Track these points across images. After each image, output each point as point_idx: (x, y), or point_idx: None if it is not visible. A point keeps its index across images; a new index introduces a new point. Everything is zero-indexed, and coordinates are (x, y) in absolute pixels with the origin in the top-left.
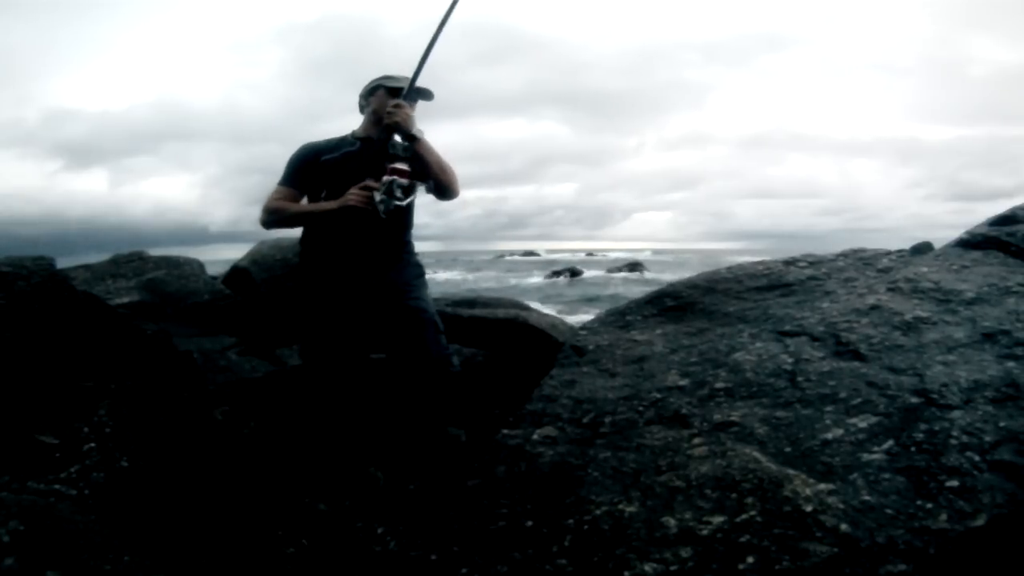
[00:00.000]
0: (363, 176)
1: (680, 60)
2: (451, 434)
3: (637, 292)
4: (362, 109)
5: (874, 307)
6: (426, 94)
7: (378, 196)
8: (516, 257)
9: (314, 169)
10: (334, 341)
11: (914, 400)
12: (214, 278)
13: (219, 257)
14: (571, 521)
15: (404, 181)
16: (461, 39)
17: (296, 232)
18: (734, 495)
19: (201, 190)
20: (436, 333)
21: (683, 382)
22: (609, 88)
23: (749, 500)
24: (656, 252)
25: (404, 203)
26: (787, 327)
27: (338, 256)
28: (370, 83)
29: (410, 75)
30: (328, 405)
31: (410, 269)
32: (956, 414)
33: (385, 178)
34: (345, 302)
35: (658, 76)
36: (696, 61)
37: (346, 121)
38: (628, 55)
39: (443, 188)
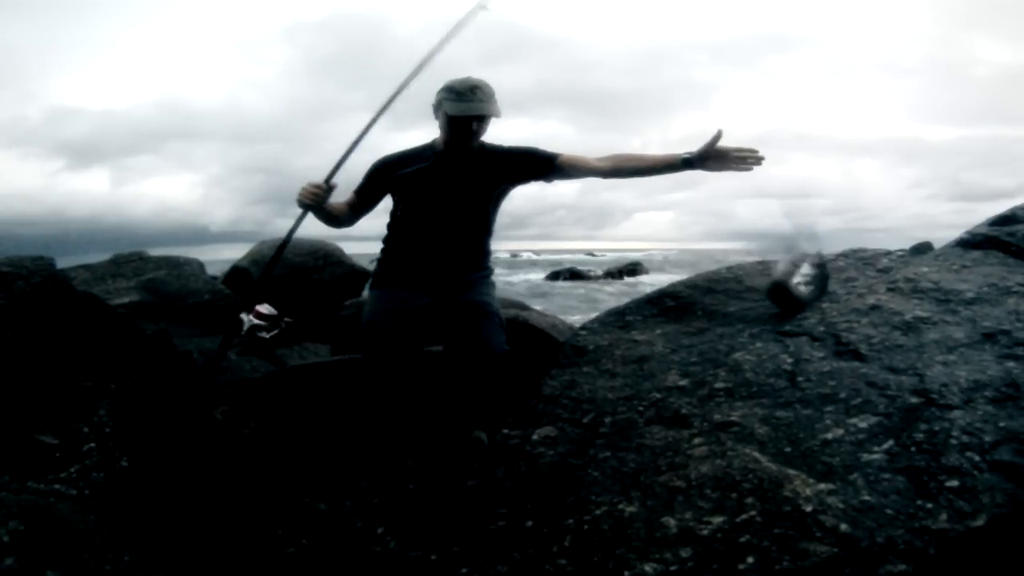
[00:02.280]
0: (433, 193)
1: (687, 60)
2: (475, 437)
3: (637, 292)
4: (436, 116)
5: (874, 307)
6: (494, 114)
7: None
8: (516, 257)
9: (386, 183)
10: (398, 332)
11: (914, 400)
12: (214, 278)
13: (219, 257)
14: (571, 521)
15: (263, 323)
16: (470, 38)
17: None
18: (734, 495)
19: (203, 189)
20: (499, 328)
21: (683, 382)
22: (615, 88)
23: (749, 500)
24: (657, 252)
25: (268, 336)
26: (787, 327)
27: (418, 256)
28: (441, 91)
29: (477, 78)
30: (383, 395)
31: (481, 271)
32: (956, 414)
33: (246, 319)
34: (416, 297)
35: (664, 76)
36: (703, 61)
37: (352, 120)
38: (635, 55)
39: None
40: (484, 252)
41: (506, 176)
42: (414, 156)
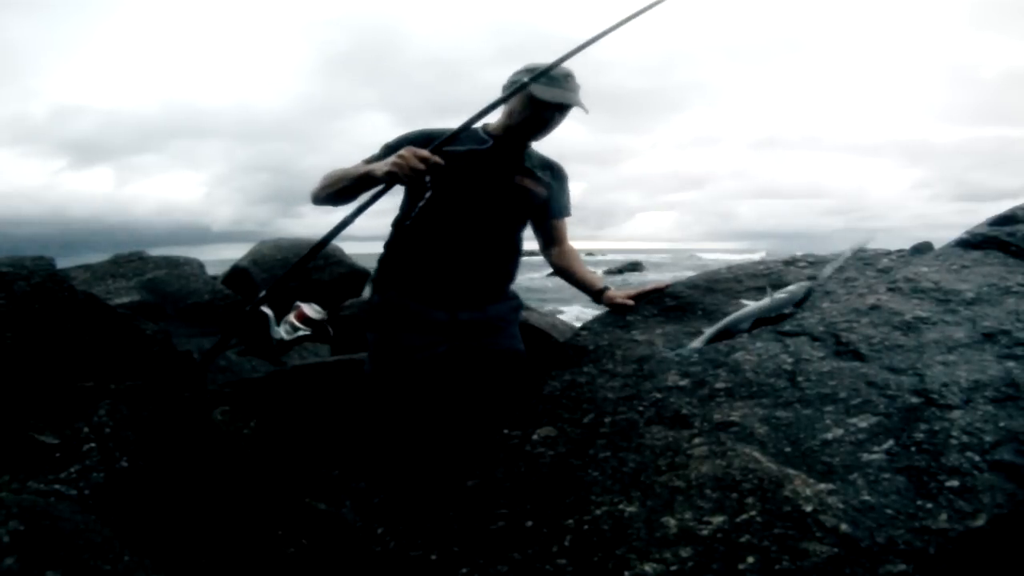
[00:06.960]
0: (483, 181)
1: (700, 60)
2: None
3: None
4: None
5: (874, 307)
6: (583, 107)
7: (282, 331)
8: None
9: None
10: (413, 390)
11: (914, 400)
12: (214, 278)
13: (220, 257)
14: (571, 521)
15: (299, 324)
16: (484, 37)
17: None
18: (734, 495)
19: (206, 189)
20: (520, 373)
21: (683, 382)
22: (629, 87)
23: (749, 500)
24: (657, 252)
25: (290, 338)
26: (787, 327)
27: (439, 267)
28: (517, 73)
29: (564, 62)
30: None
31: (509, 302)
32: (956, 414)
33: (274, 318)
34: (432, 341)
35: (677, 76)
36: (715, 62)
37: (362, 118)
38: (649, 55)
39: None
40: (512, 276)
41: (547, 194)
42: (466, 134)
